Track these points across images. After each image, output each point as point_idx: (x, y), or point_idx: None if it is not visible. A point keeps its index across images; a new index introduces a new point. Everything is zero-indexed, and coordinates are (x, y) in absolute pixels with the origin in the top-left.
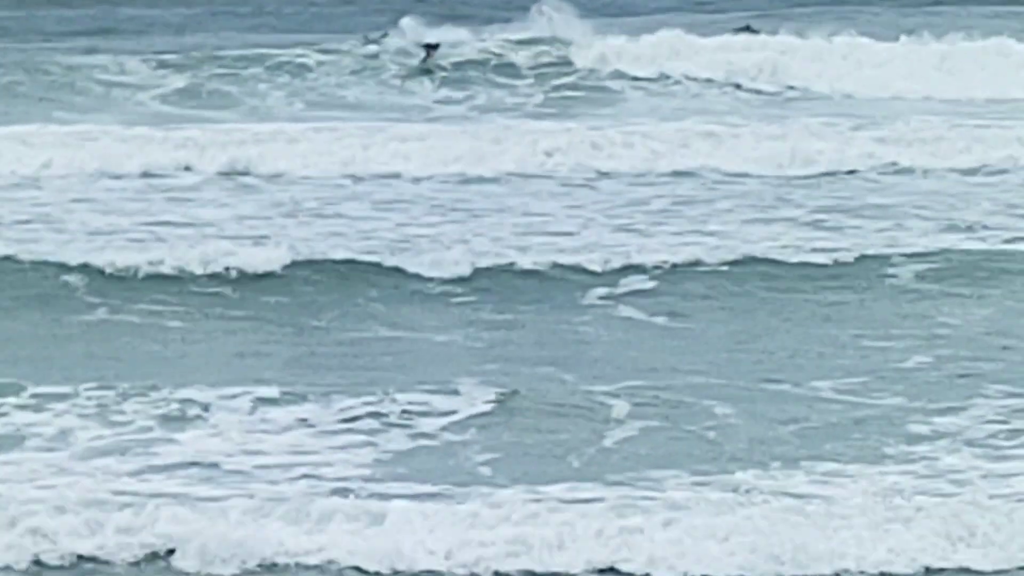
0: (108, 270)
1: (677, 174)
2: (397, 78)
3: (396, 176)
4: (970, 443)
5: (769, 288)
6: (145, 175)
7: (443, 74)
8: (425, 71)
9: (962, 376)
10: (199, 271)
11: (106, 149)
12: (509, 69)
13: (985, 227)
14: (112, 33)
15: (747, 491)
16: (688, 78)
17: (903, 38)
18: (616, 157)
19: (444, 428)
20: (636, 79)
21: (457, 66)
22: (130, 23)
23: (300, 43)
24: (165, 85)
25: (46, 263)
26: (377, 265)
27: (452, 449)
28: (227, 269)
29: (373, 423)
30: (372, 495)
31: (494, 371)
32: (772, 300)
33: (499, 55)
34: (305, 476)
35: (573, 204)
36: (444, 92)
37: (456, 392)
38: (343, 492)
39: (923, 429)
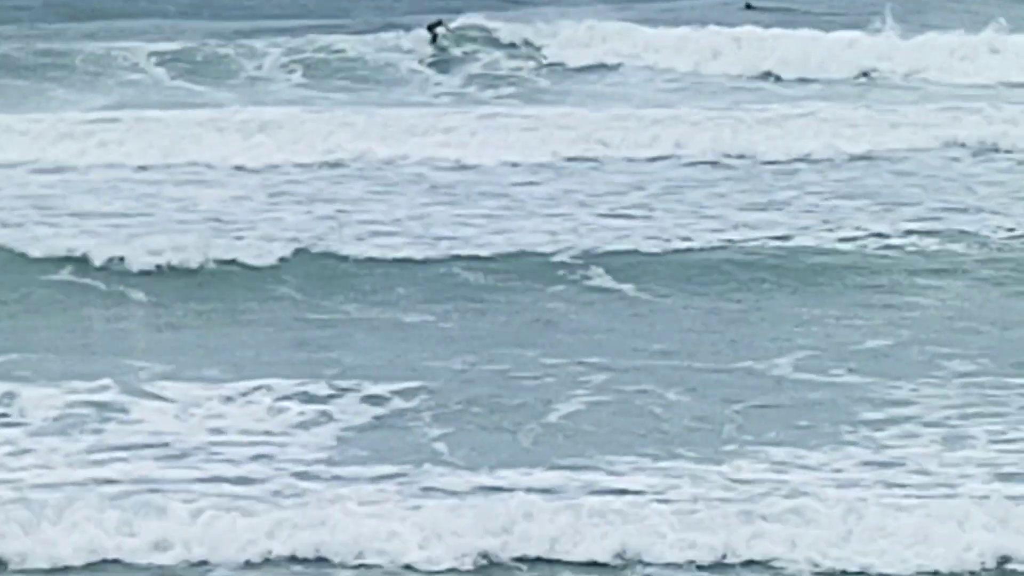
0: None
1: (666, 158)
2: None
3: (385, 161)
4: (927, 425)
5: (749, 272)
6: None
7: (432, 59)
8: (441, 49)
9: (922, 358)
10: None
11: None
12: (504, 56)
13: (977, 210)
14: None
15: (695, 477)
16: (665, 67)
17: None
18: (604, 142)
19: (404, 408)
20: (625, 66)
21: (446, 52)
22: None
23: (314, 28)
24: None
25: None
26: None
27: (409, 430)
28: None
29: (335, 401)
30: (333, 478)
31: (461, 350)
32: (750, 283)
33: (494, 40)
34: (264, 456)
35: (561, 189)
36: (432, 78)
37: (418, 369)
38: (302, 475)
39: (878, 413)
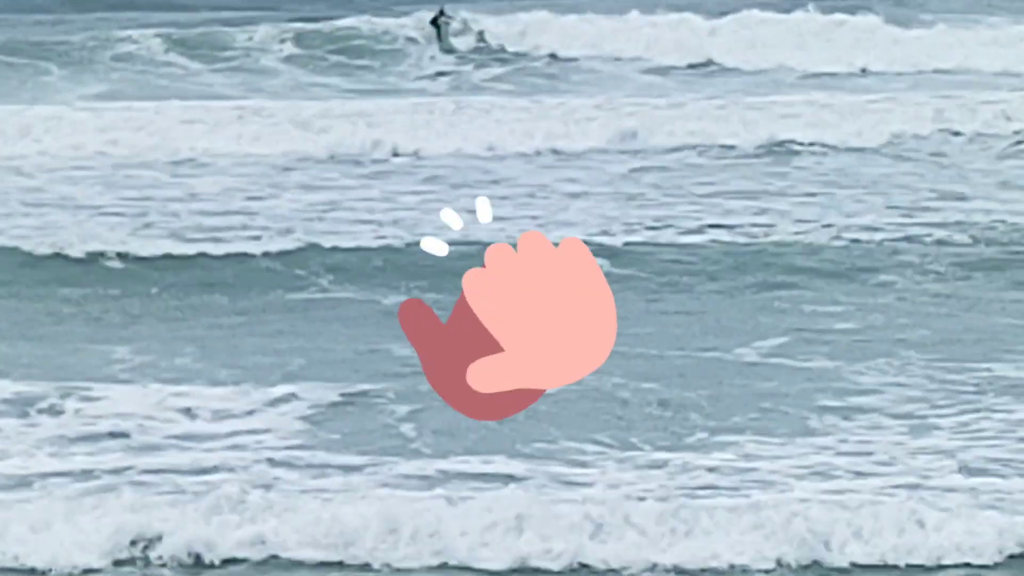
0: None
1: (656, 146)
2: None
3: (378, 149)
4: (892, 416)
5: (727, 261)
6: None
7: (429, 48)
8: (444, 39)
9: (890, 346)
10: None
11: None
12: (499, 46)
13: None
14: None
15: (661, 467)
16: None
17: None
18: (595, 131)
19: (374, 394)
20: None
21: (446, 42)
22: None
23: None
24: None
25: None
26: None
27: (379, 417)
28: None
29: (306, 387)
30: (306, 465)
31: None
32: (726, 269)
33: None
34: (237, 446)
35: (553, 178)
36: (428, 66)
37: (394, 356)
38: (272, 462)
39: (851, 401)
